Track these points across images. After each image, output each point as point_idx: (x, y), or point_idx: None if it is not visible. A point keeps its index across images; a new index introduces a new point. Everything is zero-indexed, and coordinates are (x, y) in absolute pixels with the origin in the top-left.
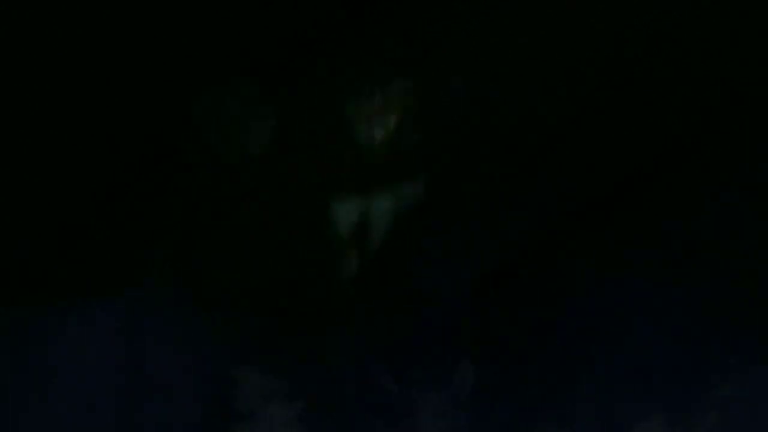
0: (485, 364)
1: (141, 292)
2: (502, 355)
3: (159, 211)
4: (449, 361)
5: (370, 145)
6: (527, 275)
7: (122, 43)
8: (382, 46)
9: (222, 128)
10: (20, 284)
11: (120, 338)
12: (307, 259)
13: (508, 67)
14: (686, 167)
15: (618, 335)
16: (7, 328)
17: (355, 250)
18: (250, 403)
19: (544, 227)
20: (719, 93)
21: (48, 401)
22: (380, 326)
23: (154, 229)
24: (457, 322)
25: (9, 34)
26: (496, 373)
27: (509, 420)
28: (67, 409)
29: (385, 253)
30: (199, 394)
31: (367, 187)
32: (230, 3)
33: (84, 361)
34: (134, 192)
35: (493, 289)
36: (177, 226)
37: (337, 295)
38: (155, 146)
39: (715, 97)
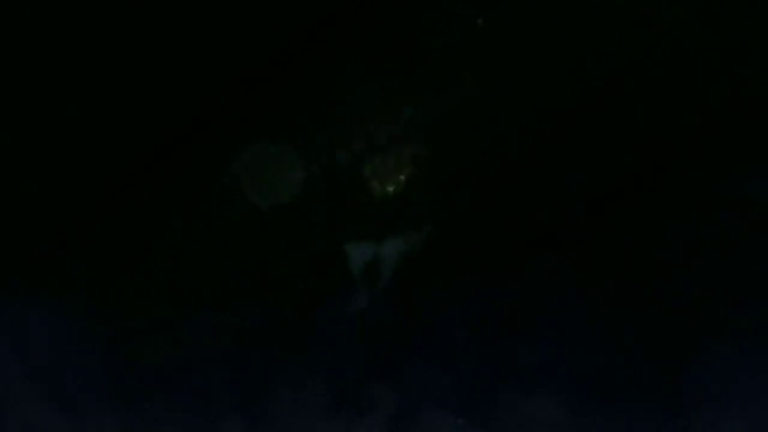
0: (485, 366)
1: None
2: (503, 359)
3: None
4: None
5: (383, 199)
6: (528, 273)
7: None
8: (396, 112)
9: (258, 180)
10: None
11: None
12: (322, 290)
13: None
14: (686, 167)
15: (616, 332)
16: None
17: (366, 286)
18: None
19: (545, 227)
20: (719, 93)
21: None
22: (378, 342)
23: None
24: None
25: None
26: (496, 374)
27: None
28: None
29: (393, 289)
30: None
31: (379, 233)
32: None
33: None
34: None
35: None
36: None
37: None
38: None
39: (715, 97)
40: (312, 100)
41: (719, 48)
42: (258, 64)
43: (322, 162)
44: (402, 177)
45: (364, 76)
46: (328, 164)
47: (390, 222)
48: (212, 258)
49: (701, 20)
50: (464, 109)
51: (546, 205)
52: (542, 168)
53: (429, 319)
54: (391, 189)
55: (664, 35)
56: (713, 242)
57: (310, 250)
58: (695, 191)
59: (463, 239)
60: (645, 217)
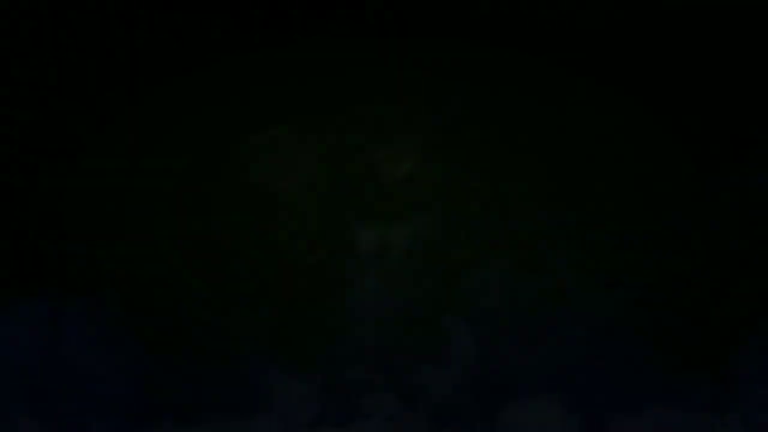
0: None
1: (64, 289)
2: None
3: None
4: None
5: (392, 182)
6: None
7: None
8: (405, 98)
9: (273, 164)
10: None
11: (41, 333)
12: (332, 273)
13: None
14: (687, 167)
15: (614, 334)
16: None
17: (375, 268)
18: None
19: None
20: (720, 93)
21: None
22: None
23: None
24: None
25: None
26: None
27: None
28: None
29: (400, 271)
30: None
31: (388, 217)
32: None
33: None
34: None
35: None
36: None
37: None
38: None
39: (716, 97)
40: (321, 85)
41: (721, 42)
42: (265, 51)
43: (332, 146)
44: (410, 162)
45: (374, 64)
46: (337, 149)
47: (399, 205)
48: (218, 238)
49: (702, 16)
50: (471, 97)
51: (547, 193)
52: (542, 157)
53: (437, 303)
54: (399, 173)
55: (665, 29)
56: (714, 242)
57: (319, 234)
58: (695, 191)
59: (471, 223)
60: (645, 216)
